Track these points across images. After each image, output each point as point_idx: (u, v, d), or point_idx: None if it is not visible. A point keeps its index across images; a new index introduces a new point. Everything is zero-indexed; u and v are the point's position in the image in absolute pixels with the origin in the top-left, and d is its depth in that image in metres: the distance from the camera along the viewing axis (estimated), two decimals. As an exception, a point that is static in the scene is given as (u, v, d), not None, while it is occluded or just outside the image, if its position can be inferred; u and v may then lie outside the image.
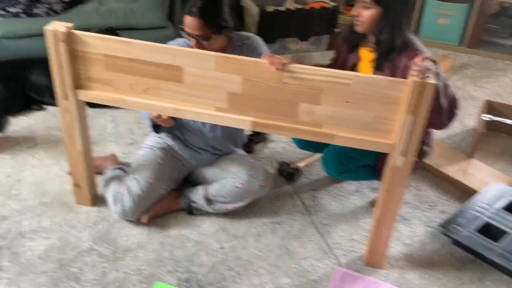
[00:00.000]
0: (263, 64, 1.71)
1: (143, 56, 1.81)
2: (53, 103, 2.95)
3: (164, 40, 3.26)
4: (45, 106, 2.96)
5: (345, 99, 1.72)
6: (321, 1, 3.88)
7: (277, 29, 3.76)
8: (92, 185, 2.24)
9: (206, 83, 1.81)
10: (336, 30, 3.95)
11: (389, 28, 1.94)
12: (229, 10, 1.97)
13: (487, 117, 2.90)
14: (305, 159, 2.59)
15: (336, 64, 2.24)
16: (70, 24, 1.84)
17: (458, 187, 2.50)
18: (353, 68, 2.15)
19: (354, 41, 2.12)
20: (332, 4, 3.86)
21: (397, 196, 1.84)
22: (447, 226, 2.14)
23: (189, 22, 1.92)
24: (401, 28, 1.95)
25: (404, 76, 1.87)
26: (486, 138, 2.87)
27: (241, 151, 2.37)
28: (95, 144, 2.64)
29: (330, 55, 3.82)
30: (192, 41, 1.95)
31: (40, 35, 2.97)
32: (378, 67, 2.01)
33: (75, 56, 1.87)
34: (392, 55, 1.97)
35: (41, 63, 2.93)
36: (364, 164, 2.23)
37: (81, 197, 2.24)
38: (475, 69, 3.79)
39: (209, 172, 2.28)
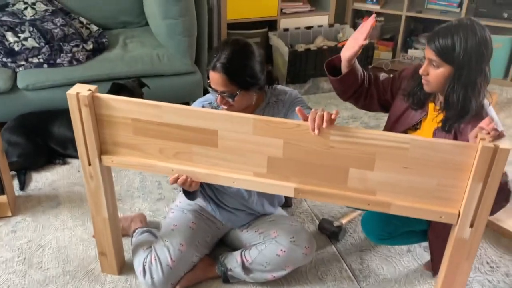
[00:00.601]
0: (305, 127, 1.53)
1: (174, 120, 1.65)
2: (77, 156, 2.81)
3: (192, 85, 3.16)
4: (68, 160, 2.82)
5: (402, 165, 1.52)
6: (355, 38, 3.70)
7: (309, 68, 3.60)
8: (118, 253, 2.07)
9: (243, 147, 1.63)
10: (371, 66, 3.78)
11: (462, 89, 1.68)
12: (258, 66, 1.78)
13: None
14: (348, 214, 2.37)
15: (389, 120, 1.98)
16: (93, 87, 1.69)
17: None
18: (417, 126, 1.89)
19: (421, 97, 1.85)
20: (367, 41, 3.68)
21: (464, 271, 1.61)
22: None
23: (214, 77, 1.75)
24: (476, 89, 1.69)
25: None
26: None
27: (280, 211, 2.17)
28: (121, 201, 2.48)
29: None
30: (217, 98, 1.78)
31: (63, 85, 2.88)
32: (444, 129, 1.78)
33: (99, 120, 1.72)
34: (464, 119, 1.73)
35: (64, 115, 2.81)
36: (410, 230, 2.01)
37: (107, 265, 2.07)
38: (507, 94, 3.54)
39: (245, 235, 2.08)
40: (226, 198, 2.04)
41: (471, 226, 1.53)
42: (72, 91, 1.66)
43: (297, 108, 1.59)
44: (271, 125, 1.57)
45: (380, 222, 1.95)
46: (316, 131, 1.50)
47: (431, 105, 1.85)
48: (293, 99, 1.91)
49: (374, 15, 1.81)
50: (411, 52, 4.11)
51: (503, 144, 1.40)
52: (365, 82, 1.95)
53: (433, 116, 1.82)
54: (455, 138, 1.75)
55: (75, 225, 2.35)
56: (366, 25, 1.79)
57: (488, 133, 1.42)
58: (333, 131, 1.52)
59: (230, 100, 1.77)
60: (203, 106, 1.92)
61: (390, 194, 1.58)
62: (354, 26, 4.11)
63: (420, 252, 2.22)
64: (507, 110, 3.49)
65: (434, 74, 1.71)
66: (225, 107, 1.81)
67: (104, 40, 3.13)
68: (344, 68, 1.88)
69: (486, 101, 1.75)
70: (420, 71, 1.75)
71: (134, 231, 2.19)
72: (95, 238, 2.03)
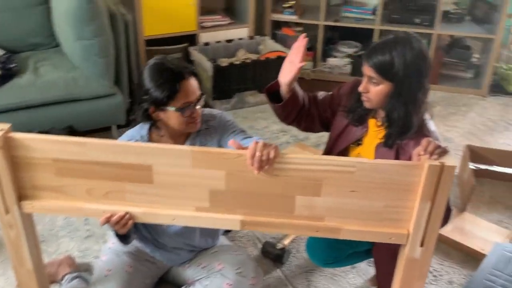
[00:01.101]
0: (246, 160, 1.43)
1: (102, 157, 1.49)
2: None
3: (113, 108, 2.97)
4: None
5: (349, 189, 1.46)
6: (277, 51, 3.68)
7: (233, 83, 3.53)
8: (48, 303, 1.86)
9: (182, 182, 1.50)
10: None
11: (404, 106, 1.65)
12: None
13: (475, 166, 2.74)
14: (290, 235, 2.31)
15: (331, 137, 1.93)
16: (6, 125, 1.50)
17: (459, 249, 2.30)
18: (359, 141, 1.85)
19: (362, 113, 1.81)
20: (288, 51, 3.66)
21: None
22: (462, 304, 1.92)
23: (193, 84, 1.67)
24: (417, 104, 1.66)
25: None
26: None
27: (222, 240, 2.05)
28: (44, 243, 2.26)
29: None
30: (194, 112, 1.68)
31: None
32: (387, 145, 1.75)
33: (15, 163, 1.52)
34: (406, 135, 1.69)
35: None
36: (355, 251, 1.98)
37: None
38: (441, 107, 3.67)
39: (188, 272, 1.95)
40: (165, 238, 1.90)
41: (422, 245, 1.50)
42: None
43: (230, 142, 1.49)
44: (211, 156, 1.45)
45: (326, 247, 1.91)
46: (256, 172, 1.40)
47: (372, 121, 1.81)
48: (224, 124, 1.81)
49: (303, 35, 1.75)
50: (330, 60, 4.15)
51: (448, 161, 1.38)
52: (305, 103, 1.89)
53: (375, 131, 1.79)
54: (397, 154, 1.73)
55: (-6, 276, 2.12)
56: (298, 46, 1.72)
57: (431, 155, 1.40)
58: (277, 159, 1.43)
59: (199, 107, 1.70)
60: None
61: (339, 219, 1.51)
62: (274, 37, 4.10)
63: (365, 268, 2.20)
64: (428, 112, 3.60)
65: (375, 91, 1.68)
66: (198, 120, 1.72)
67: (12, 65, 2.86)
68: (285, 93, 1.80)
69: (426, 116, 1.74)
70: (360, 89, 1.71)
71: (62, 278, 2.00)
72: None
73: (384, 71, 1.63)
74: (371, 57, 1.65)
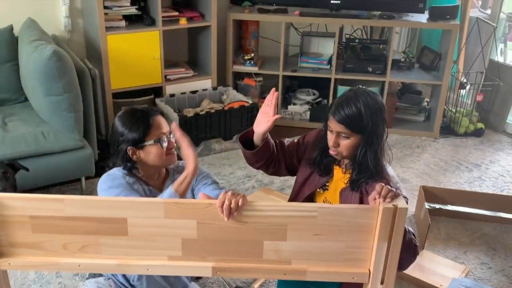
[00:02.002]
0: (216, 206, 1.53)
1: (79, 212, 1.55)
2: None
3: (82, 160, 3.03)
4: None
5: (313, 232, 1.56)
6: (240, 101, 3.84)
7: (199, 132, 3.65)
8: None
9: (155, 232, 1.57)
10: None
11: (373, 153, 1.80)
12: None
13: (430, 206, 2.91)
14: (259, 279, 2.39)
15: (297, 183, 2.06)
16: None
17: (420, 285, 2.43)
18: (324, 187, 1.98)
19: (327, 164, 1.94)
20: (250, 101, 3.84)
21: None
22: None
23: (161, 121, 1.89)
24: (383, 150, 1.83)
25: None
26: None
27: (194, 285, 2.12)
28: (16, 298, 2.27)
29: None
30: (167, 144, 1.88)
31: None
32: (353, 189, 1.88)
33: None
34: (372, 179, 1.82)
35: None
36: None
37: None
38: (397, 149, 3.87)
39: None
40: (140, 281, 1.96)
41: (382, 283, 1.62)
42: None
43: (200, 194, 1.64)
44: (183, 207, 1.54)
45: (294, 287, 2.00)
46: (226, 219, 1.50)
47: (337, 168, 1.95)
48: (198, 174, 1.93)
49: (274, 89, 1.91)
50: (290, 107, 4.33)
51: (400, 204, 1.51)
52: (274, 150, 2.02)
53: (340, 177, 1.93)
54: (362, 197, 1.86)
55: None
56: (271, 99, 1.89)
57: (384, 198, 1.52)
58: (245, 207, 1.54)
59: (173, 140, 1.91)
60: (122, 181, 1.90)
61: (304, 261, 1.61)
62: (236, 87, 4.27)
63: (331, 307, 2.29)
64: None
65: (345, 144, 1.81)
66: (173, 153, 1.92)
67: (-20, 122, 2.92)
68: (258, 141, 1.94)
69: (385, 161, 1.88)
70: (330, 144, 1.84)
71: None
72: None
73: (354, 125, 1.76)
74: (338, 113, 1.77)
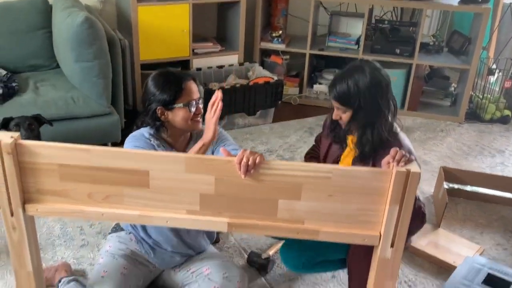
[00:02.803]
0: (234, 163, 1.59)
1: (104, 163, 1.63)
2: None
3: (109, 127, 3.13)
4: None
5: (327, 193, 1.61)
6: (265, 76, 3.87)
7: (224, 106, 3.68)
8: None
9: (176, 186, 1.64)
10: (281, 102, 3.94)
11: (370, 127, 1.91)
12: None
13: (448, 185, 2.91)
14: (274, 246, 2.45)
15: (318, 157, 2.19)
16: (16, 134, 1.65)
17: (433, 261, 2.45)
18: (338, 158, 2.08)
19: (340, 133, 2.06)
20: (275, 78, 3.87)
21: None
22: (433, 309, 2.06)
23: (191, 85, 1.95)
24: (382, 122, 1.91)
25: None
26: (447, 206, 2.87)
27: (211, 248, 2.20)
28: (42, 251, 2.37)
29: (277, 127, 3.82)
30: (195, 109, 1.96)
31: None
32: (362, 160, 1.95)
33: (22, 168, 1.66)
34: (377, 151, 1.91)
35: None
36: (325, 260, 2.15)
37: None
38: (420, 132, 3.87)
39: (178, 276, 2.08)
40: (161, 240, 2.04)
41: (392, 246, 1.65)
42: None
43: (221, 149, 1.68)
44: (203, 163, 1.61)
45: (295, 253, 2.08)
46: (243, 176, 1.55)
47: (350, 137, 2.05)
48: (220, 136, 2.01)
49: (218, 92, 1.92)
50: (316, 87, 4.35)
51: (413, 168, 1.54)
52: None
53: (352, 150, 2.00)
54: (373, 166, 1.90)
55: (-7, 280, 2.23)
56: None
57: (398, 163, 1.55)
58: (262, 165, 1.58)
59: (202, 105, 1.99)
60: (146, 139, 1.96)
61: (317, 222, 1.66)
62: (262, 64, 4.30)
63: (344, 277, 2.33)
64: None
65: (345, 117, 1.95)
66: (199, 119, 1.99)
67: (14, 84, 3.03)
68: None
69: (398, 129, 1.94)
70: (334, 117, 1.99)
71: (59, 281, 2.11)
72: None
73: (343, 100, 1.90)
74: (332, 90, 1.93)
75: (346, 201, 1.61)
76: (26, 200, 1.73)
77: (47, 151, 1.64)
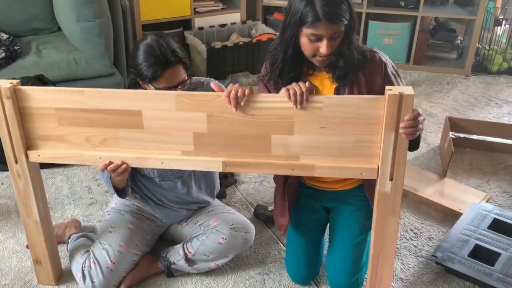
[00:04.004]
0: (224, 99, 1.57)
1: (99, 104, 1.65)
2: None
3: (112, 87, 3.10)
4: (-11, 173, 2.70)
5: (319, 125, 1.57)
6: (268, 33, 3.83)
7: (227, 65, 3.67)
8: (54, 260, 2.01)
9: (169, 126, 1.64)
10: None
11: (353, 42, 1.68)
12: None
13: (454, 135, 2.90)
14: (280, 199, 2.47)
15: None
16: (16, 80, 1.67)
17: (439, 209, 2.46)
18: None
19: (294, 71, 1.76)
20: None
21: (392, 226, 1.70)
22: (439, 255, 2.08)
23: (171, 73, 1.76)
24: (352, 40, 1.68)
25: (369, 93, 1.71)
26: (453, 155, 2.87)
27: (217, 202, 2.22)
28: (51, 209, 2.41)
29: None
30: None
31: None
32: (344, 83, 1.74)
33: (23, 114, 1.69)
34: (363, 66, 1.72)
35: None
36: None
37: (44, 275, 2.01)
38: (426, 85, 3.83)
39: (186, 229, 2.11)
40: (165, 195, 2.05)
41: (391, 179, 1.60)
42: None
43: (212, 83, 1.65)
44: (193, 99, 1.58)
45: (304, 265, 2.01)
46: (234, 110, 1.54)
47: (319, 75, 1.78)
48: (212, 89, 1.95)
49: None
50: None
51: (406, 90, 1.48)
52: None
53: (321, 81, 1.78)
54: (354, 90, 1.74)
55: (6, 238, 2.26)
56: None
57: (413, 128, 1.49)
58: (252, 99, 1.56)
59: (183, 89, 1.81)
60: None
61: (313, 156, 1.63)
62: (265, 22, 4.25)
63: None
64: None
65: (335, 45, 1.64)
66: None
67: (16, 47, 3.01)
68: None
69: (374, 48, 1.77)
70: (324, 52, 1.62)
71: (69, 237, 2.15)
72: (28, 248, 1.98)
73: (344, 19, 1.59)
74: (331, 15, 1.57)
75: (340, 132, 1.58)
76: (28, 147, 1.76)
77: (44, 95, 1.67)
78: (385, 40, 4.09)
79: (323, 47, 1.62)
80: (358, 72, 1.73)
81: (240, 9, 4.04)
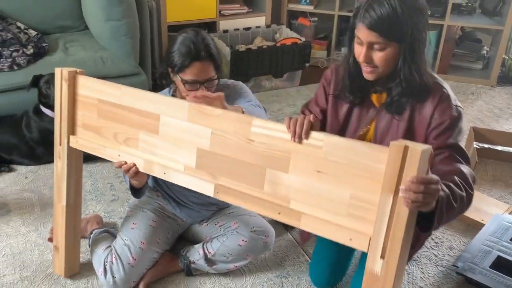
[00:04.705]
0: (230, 114, 1.49)
1: (129, 102, 1.68)
2: (22, 163, 2.75)
3: (137, 86, 3.11)
4: (14, 167, 2.75)
5: (316, 168, 1.35)
6: (292, 37, 3.84)
7: (250, 68, 3.69)
8: (71, 251, 2.02)
9: (179, 136, 1.60)
10: (308, 64, 3.91)
11: (415, 65, 1.49)
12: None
13: (478, 145, 2.88)
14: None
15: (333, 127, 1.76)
16: (81, 70, 1.78)
17: (461, 219, 2.43)
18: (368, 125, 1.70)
19: (363, 89, 1.63)
20: (303, 39, 3.83)
21: None
22: (460, 265, 2.05)
23: (200, 67, 1.78)
24: (421, 62, 1.51)
25: (426, 131, 1.55)
26: (477, 166, 2.84)
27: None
28: (74, 205, 2.44)
29: (304, 90, 3.80)
30: (199, 91, 1.76)
31: (5, 91, 2.81)
32: (395, 111, 1.60)
33: (75, 100, 1.78)
34: (418, 97, 1.55)
35: (7, 121, 2.76)
36: None
37: (57, 264, 2.03)
38: (450, 95, 3.79)
39: (206, 229, 2.12)
40: (186, 194, 2.07)
41: (382, 256, 1.24)
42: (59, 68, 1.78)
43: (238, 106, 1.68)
44: (202, 111, 1.53)
45: (328, 271, 1.95)
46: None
47: (374, 97, 1.66)
48: (239, 93, 1.95)
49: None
50: (344, 50, 4.30)
51: (419, 145, 1.16)
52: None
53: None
54: (410, 126, 1.59)
55: (28, 231, 2.30)
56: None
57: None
58: (254, 121, 1.44)
59: (211, 88, 1.81)
60: None
61: (304, 204, 1.40)
62: (290, 26, 4.26)
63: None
64: (437, 100, 3.73)
65: (380, 57, 1.49)
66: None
67: (44, 44, 3.07)
68: None
69: (434, 75, 1.62)
70: (361, 60, 1.52)
71: (91, 233, 2.17)
72: (50, 241, 2.00)
73: (390, 30, 1.43)
74: (369, 16, 1.44)
75: (336, 182, 1.33)
76: (73, 132, 1.82)
77: (92, 85, 1.74)
78: (409, 48, 4.06)
79: (359, 54, 1.53)
80: (415, 104, 1.56)
81: (265, 13, 4.06)
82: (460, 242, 2.30)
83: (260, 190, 1.47)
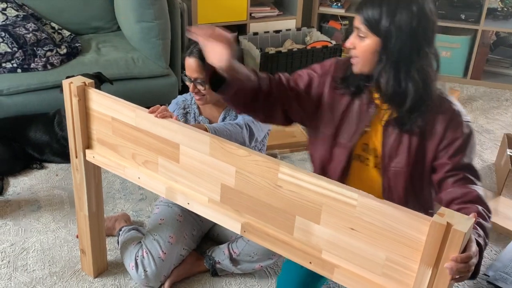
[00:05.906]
0: (255, 157, 1.39)
1: (146, 126, 1.60)
2: (54, 160, 2.80)
3: (167, 88, 3.18)
4: (46, 164, 2.80)
5: (349, 225, 1.29)
6: (323, 41, 3.82)
7: (280, 70, 3.65)
8: (98, 254, 2.05)
9: (201, 168, 1.52)
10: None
11: (393, 69, 1.42)
12: None
13: (511, 152, 2.81)
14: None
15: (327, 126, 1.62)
16: (89, 80, 1.72)
17: (492, 228, 2.37)
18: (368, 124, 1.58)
19: (355, 82, 1.55)
20: (334, 42, 3.80)
21: None
22: (491, 274, 2.01)
23: (188, 63, 1.90)
24: (411, 69, 1.42)
25: (437, 147, 1.49)
26: (510, 174, 2.76)
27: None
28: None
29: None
30: (190, 86, 1.92)
31: (38, 90, 2.87)
32: (404, 129, 1.51)
33: (88, 114, 1.74)
34: (417, 112, 1.46)
35: (39, 119, 2.81)
36: None
37: (86, 265, 2.07)
38: (483, 101, 3.72)
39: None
40: None
41: None
42: (67, 80, 1.70)
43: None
44: (225, 149, 1.44)
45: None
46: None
47: (376, 95, 1.55)
48: None
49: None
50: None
51: (460, 224, 1.12)
52: (262, 86, 1.57)
53: (382, 109, 1.54)
54: (422, 141, 1.51)
55: (58, 227, 2.34)
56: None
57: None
58: (281, 168, 1.35)
59: (201, 87, 1.89)
60: (179, 102, 2.07)
61: (336, 257, 1.35)
62: (320, 30, 4.24)
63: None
64: (468, 106, 3.66)
65: (361, 47, 1.45)
66: (197, 97, 1.95)
67: (77, 44, 3.12)
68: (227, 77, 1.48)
69: (450, 95, 1.56)
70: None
71: (120, 230, 2.20)
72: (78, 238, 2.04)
73: (371, 20, 1.41)
74: (361, 6, 1.44)
75: (371, 242, 1.27)
76: (88, 145, 1.80)
77: (104, 101, 1.68)
78: (442, 53, 4.00)
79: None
80: (431, 118, 1.49)
81: (296, 15, 4.05)
82: (491, 251, 2.25)
83: (290, 235, 1.42)
